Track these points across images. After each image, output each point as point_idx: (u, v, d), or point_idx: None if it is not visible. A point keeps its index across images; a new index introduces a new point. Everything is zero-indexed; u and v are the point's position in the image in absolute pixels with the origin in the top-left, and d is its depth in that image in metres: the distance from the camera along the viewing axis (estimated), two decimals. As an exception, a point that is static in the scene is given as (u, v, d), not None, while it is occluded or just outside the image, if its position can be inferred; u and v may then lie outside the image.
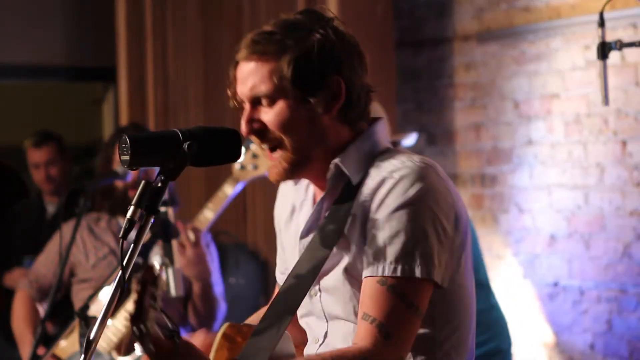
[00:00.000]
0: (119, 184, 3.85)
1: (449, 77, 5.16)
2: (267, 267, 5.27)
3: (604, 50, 2.95)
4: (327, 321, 2.12)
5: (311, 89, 1.99)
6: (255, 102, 2.02)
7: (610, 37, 2.99)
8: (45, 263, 4.02)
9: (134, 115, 5.86)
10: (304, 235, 2.11)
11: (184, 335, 3.82)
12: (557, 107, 4.65)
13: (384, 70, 5.10)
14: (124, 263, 1.89)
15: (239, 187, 3.69)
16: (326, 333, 2.12)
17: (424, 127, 5.27)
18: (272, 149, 2.03)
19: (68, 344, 3.72)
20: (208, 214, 3.71)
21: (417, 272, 1.94)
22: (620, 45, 2.96)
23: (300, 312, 2.16)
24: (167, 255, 3.47)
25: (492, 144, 4.96)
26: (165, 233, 3.48)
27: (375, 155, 2.05)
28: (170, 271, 3.47)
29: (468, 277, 2.07)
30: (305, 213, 2.15)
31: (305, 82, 1.98)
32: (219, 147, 2.00)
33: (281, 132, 2.01)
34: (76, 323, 3.29)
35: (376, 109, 3.64)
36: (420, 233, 1.94)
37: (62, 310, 4.19)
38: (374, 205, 1.97)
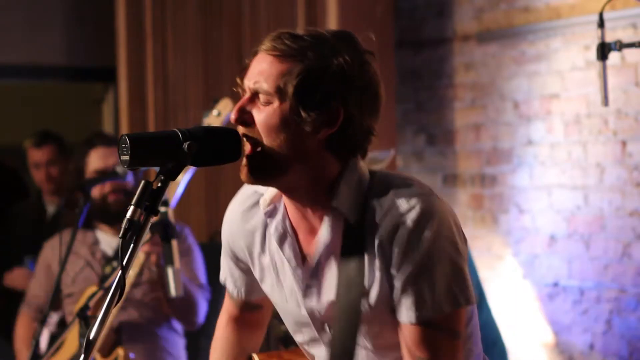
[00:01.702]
0: (95, 192, 3.82)
1: (449, 77, 5.16)
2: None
3: (603, 50, 2.95)
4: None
5: (308, 105, 1.95)
6: (254, 95, 2.00)
7: (610, 38, 2.99)
8: (37, 284, 4.04)
9: (134, 115, 5.86)
10: (308, 276, 2.08)
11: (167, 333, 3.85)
12: (556, 108, 4.65)
13: (384, 70, 5.09)
14: (123, 263, 1.89)
15: (189, 173, 3.69)
16: None
17: (424, 127, 5.27)
18: (252, 145, 2.01)
19: (63, 350, 3.71)
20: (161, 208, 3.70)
21: (462, 301, 1.97)
22: (620, 45, 2.96)
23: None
24: (167, 255, 3.47)
25: (492, 144, 4.96)
26: (165, 233, 3.48)
27: (365, 186, 2.02)
28: (170, 271, 3.47)
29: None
30: (287, 249, 2.09)
31: (305, 96, 1.95)
32: (219, 147, 2.00)
33: (264, 133, 1.97)
34: (73, 327, 3.29)
35: None
36: (450, 267, 1.96)
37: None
38: (397, 254, 1.96)
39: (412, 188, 1.99)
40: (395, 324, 2.01)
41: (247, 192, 2.18)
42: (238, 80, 2.04)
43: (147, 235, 1.93)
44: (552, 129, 4.67)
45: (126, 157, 1.93)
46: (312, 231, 2.06)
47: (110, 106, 6.40)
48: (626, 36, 4.21)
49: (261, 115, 1.98)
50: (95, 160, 3.87)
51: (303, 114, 1.95)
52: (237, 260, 2.24)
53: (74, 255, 3.88)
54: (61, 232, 3.76)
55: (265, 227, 2.14)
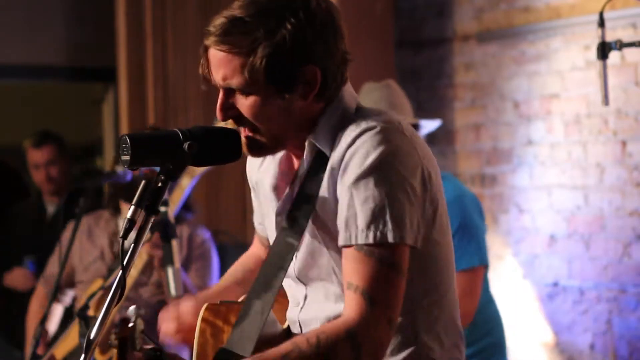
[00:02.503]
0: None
1: (449, 77, 5.16)
2: (267, 267, 5.26)
3: (603, 50, 2.95)
4: (304, 285, 2.11)
5: (285, 84, 1.96)
6: (229, 91, 2.00)
7: (610, 37, 2.99)
8: (55, 262, 4.03)
9: (134, 115, 5.86)
10: (280, 211, 2.09)
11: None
12: (556, 108, 4.65)
13: (384, 70, 5.09)
14: (124, 263, 1.89)
15: (195, 179, 3.70)
16: (306, 296, 2.11)
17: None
18: (249, 130, 2.01)
19: (64, 343, 3.71)
20: (168, 211, 3.70)
21: (390, 237, 1.91)
22: (620, 45, 2.96)
23: None
24: (167, 255, 3.48)
25: (492, 144, 4.96)
26: (165, 233, 3.48)
27: (345, 121, 2.01)
28: (170, 271, 3.47)
29: (445, 233, 2.05)
30: (273, 169, 2.12)
31: (279, 78, 1.95)
32: (219, 147, 2.00)
33: (256, 121, 1.99)
34: (74, 324, 3.29)
35: (399, 92, 3.65)
36: (388, 197, 1.92)
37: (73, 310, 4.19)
38: (341, 173, 1.95)
39: (380, 117, 1.98)
40: (330, 259, 2.01)
41: None
42: (201, 73, 2.04)
43: (147, 235, 1.93)
44: (552, 129, 4.67)
45: (126, 157, 1.93)
46: (291, 166, 2.11)
47: (110, 106, 6.40)
48: (626, 36, 4.21)
49: (245, 106, 1.98)
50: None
51: (286, 95, 1.97)
52: (256, 193, 2.25)
53: (92, 243, 3.89)
54: (86, 214, 3.78)
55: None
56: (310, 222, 2.02)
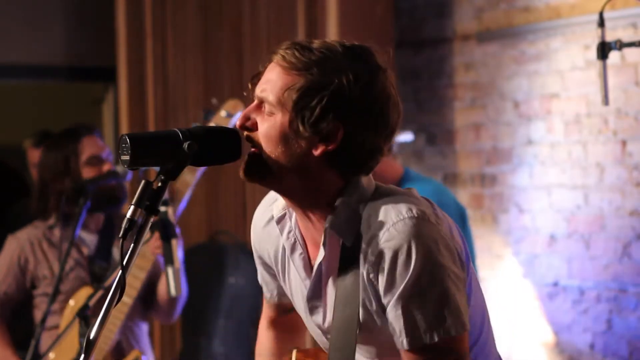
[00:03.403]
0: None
1: (449, 77, 5.16)
2: (267, 267, 5.26)
3: (603, 50, 2.95)
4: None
5: (306, 119, 1.95)
6: (261, 103, 2.01)
7: (610, 37, 2.99)
8: (5, 280, 3.80)
9: (134, 115, 5.86)
10: (310, 297, 2.09)
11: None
12: (556, 107, 4.66)
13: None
14: (124, 263, 1.89)
15: (198, 174, 3.68)
16: None
17: (424, 127, 5.27)
18: (253, 147, 2.02)
19: (63, 346, 3.67)
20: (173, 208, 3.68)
21: (453, 332, 1.94)
22: (620, 45, 2.96)
23: None
24: (167, 255, 3.47)
25: (492, 144, 4.96)
26: (165, 233, 3.48)
27: (365, 206, 2.00)
28: (170, 271, 3.47)
29: (475, 288, 2.06)
30: (297, 259, 2.10)
31: (303, 111, 1.95)
32: (219, 147, 2.00)
33: (264, 142, 1.98)
34: (73, 326, 3.28)
35: None
36: (441, 294, 1.93)
37: (22, 322, 4.10)
38: (385, 282, 1.95)
39: (402, 209, 1.96)
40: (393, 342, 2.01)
41: (271, 197, 2.18)
42: (250, 85, 2.05)
43: (147, 235, 1.93)
44: (552, 128, 4.67)
45: (126, 157, 1.93)
46: (317, 244, 2.06)
47: (110, 106, 6.40)
48: (626, 36, 4.21)
49: (263, 125, 1.99)
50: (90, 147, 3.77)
51: (301, 128, 1.96)
52: (265, 265, 2.24)
53: (58, 254, 3.72)
54: (32, 226, 3.71)
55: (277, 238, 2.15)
56: (362, 323, 2.02)
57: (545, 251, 4.71)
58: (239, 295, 5.22)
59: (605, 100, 2.95)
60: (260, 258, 2.23)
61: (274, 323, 2.38)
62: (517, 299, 4.81)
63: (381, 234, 1.95)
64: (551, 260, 4.69)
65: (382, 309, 1.97)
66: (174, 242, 3.48)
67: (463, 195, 5.09)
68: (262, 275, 2.27)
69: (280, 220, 2.11)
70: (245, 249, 5.35)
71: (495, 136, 4.94)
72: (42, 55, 6.13)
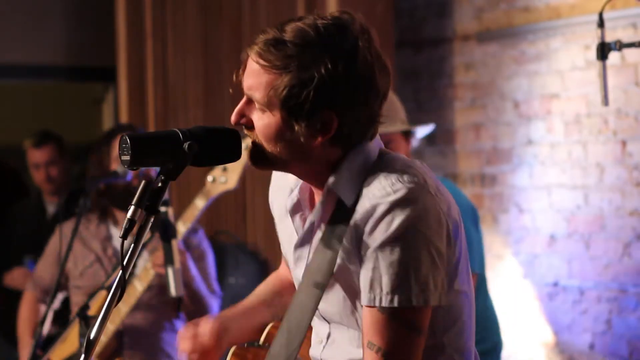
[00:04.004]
0: (118, 184, 3.81)
1: (449, 77, 5.17)
2: (267, 267, 5.27)
3: (603, 50, 2.95)
4: (328, 323, 2.13)
5: (298, 117, 1.96)
6: (250, 100, 2.02)
7: (610, 37, 2.99)
8: (45, 265, 3.99)
9: (134, 115, 5.86)
10: (297, 245, 2.11)
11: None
12: (556, 107, 4.66)
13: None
14: (124, 263, 1.89)
15: (210, 201, 3.70)
16: (329, 334, 2.13)
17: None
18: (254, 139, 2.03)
19: (63, 347, 3.70)
20: (181, 228, 3.71)
21: (414, 301, 1.94)
22: (620, 45, 2.96)
23: None
24: (167, 255, 3.47)
25: (492, 144, 4.96)
26: (165, 233, 3.48)
27: (368, 169, 2.02)
28: (170, 271, 3.47)
29: (465, 279, 2.07)
30: (297, 219, 2.13)
31: (293, 109, 1.96)
32: (219, 147, 2.00)
33: (263, 140, 2.00)
34: (74, 326, 3.28)
35: (392, 99, 3.62)
36: (413, 261, 1.94)
37: (64, 312, 4.18)
38: (366, 234, 1.96)
39: (405, 175, 1.98)
40: (355, 311, 2.03)
41: None
42: (234, 77, 2.06)
43: (147, 235, 1.94)
44: (552, 128, 4.67)
45: (127, 157, 1.93)
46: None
47: (110, 106, 6.40)
48: (626, 36, 4.21)
49: (259, 122, 2.00)
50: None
51: (295, 126, 1.97)
52: (278, 219, 2.26)
53: (85, 247, 3.85)
54: (61, 224, 3.76)
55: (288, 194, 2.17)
56: (334, 271, 2.03)
57: (545, 251, 4.71)
58: (239, 295, 5.20)
59: (605, 101, 2.95)
60: (272, 208, 2.25)
61: (283, 276, 2.41)
62: (517, 299, 4.82)
63: (378, 191, 1.96)
64: (551, 260, 4.69)
65: (360, 260, 1.98)
66: (174, 242, 3.48)
67: (463, 195, 5.09)
68: (278, 231, 2.28)
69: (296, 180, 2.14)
70: (245, 249, 5.35)
71: (495, 136, 4.94)
72: (42, 55, 6.14)
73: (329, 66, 1.95)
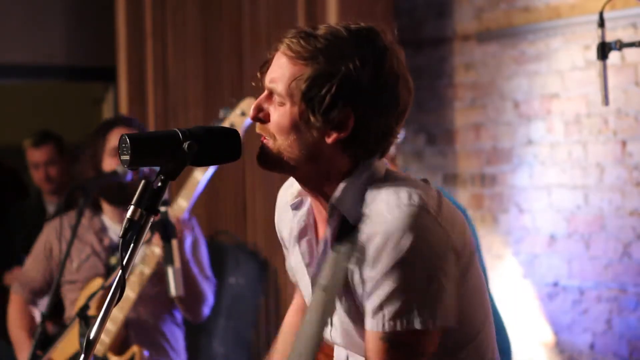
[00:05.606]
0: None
1: (449, 77, 5.17)
2: (267, 267, 5.27)
3: (603, 50, 2.95)
4: (345, 348, 2.14)
5: (316, 110, 1.96)
6: (271, 93, 2.02)
7: (610, 37, 2.99)
8: (33, 265, 3.90)
9: (133, 115, 5.85)
10: (308, 264, 2.11)
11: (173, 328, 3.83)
12: (556, 107, 4.66)
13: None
14: (124, 263, 1.89)
15: (208, 172, 3.67)
16: (347, 357, 2.15)
17: (424, 127, 5.27)
18: (266, 137, 2.03)
19: (63, 347, 3.69)
20: (182, 203, 3.68)
21: (417, 324, 1.92)
22: (620, 45, 2.96)
23: None
24: (167, 255, 3.47)
25: (492, 144, 4.96)
26: (165, 233, 3.48)
27: (372, 188, 2.00)
28: (170, 271, 3.47)
29: (477, 286, 2.04)
30: (304, 244, 2.12)
31: (313, 101, 1.96)
32: (219, 147, 2.01)
33: (277, 133, 2.00)
34: (73, 326, 3.28)
35: None
36: (417, 286, 1.92)
37: (59, 310, 4.17)
38: (369, 259, 1.95)
39: (403, 195, 1.95)
40: (362, 338, 2.01)
41: (292, 179, 2.19)
42: (258, 74, 2.05)
43: (147, 234, 1.94)
44: (552, 128, 4.67)
45: (126, 157, 1.93)
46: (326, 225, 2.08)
47: (110, 106, 6.40)
48: (626, 36, 4.21)
49: (275, 115, 2.00)
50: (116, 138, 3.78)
51: (311, 118, 1.96)
52: (286, 248, 2.25)
53: (80, 241, 3.80)
54: (62, 215, 3.74)
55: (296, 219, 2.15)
56: (343, 298, 2.02)
57: (545, 251, 4.71)
58: (239, 295, 5.22)
59: (605, 101, 2.95)
60: (282, 241, 2.25)
61: (299, 309, 2.39)
62: (517, 299, 4.82)
63: (377, 216, 1.95)
64: (551, 260, 4.69)
65: (363, 284, 1.97)
66: (174, 242, 3.48)
67: (463, 196, 5.09)
68: (288, 260, 2.27)
69: (297, 205, 2.12)
70: (245, 249, 5.35)
71: (495, 136, 4.94)
72: (42, 55, 6.14)
73: (357, 64, 1.96)
